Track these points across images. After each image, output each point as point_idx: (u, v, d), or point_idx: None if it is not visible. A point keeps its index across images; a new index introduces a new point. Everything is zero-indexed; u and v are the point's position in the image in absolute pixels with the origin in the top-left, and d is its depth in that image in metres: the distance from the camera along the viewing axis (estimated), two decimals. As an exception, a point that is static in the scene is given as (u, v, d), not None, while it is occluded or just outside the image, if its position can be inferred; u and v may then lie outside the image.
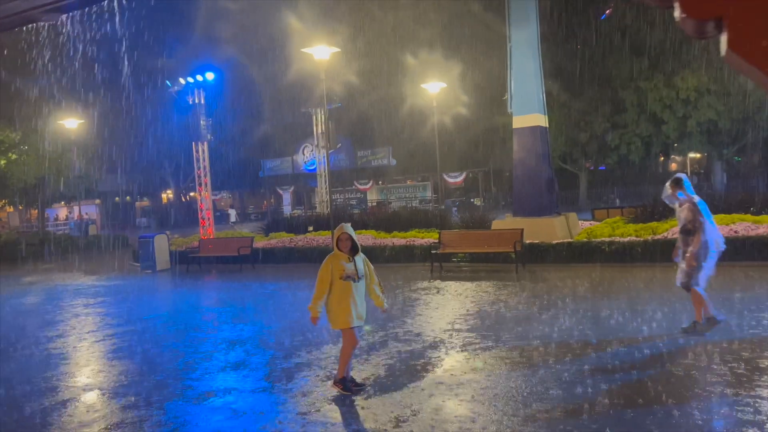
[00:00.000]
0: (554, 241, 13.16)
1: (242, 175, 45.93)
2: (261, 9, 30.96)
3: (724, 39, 1.29)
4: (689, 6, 1.31)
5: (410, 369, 6.05)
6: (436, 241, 14.08)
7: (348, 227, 5.33)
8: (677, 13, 1.34)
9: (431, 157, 31.15)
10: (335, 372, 5.64)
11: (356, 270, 5.28)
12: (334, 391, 5.40)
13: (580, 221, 16.24)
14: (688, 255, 6.56)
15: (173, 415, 5.20)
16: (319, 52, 16.34)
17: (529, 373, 5.70)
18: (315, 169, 34.14)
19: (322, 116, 26.02)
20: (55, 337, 8.78)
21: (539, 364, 5.97)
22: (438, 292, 10.62)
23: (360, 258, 5.39)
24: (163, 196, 55.16)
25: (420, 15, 30.00)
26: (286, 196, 48.86)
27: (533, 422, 4.51)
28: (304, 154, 43.71)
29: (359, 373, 5.92)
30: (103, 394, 5.95)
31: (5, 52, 23.69)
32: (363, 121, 37.62)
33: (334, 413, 4.97)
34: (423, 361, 6.32)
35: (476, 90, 31.28)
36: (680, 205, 6.73)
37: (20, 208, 42.30)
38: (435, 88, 26.75)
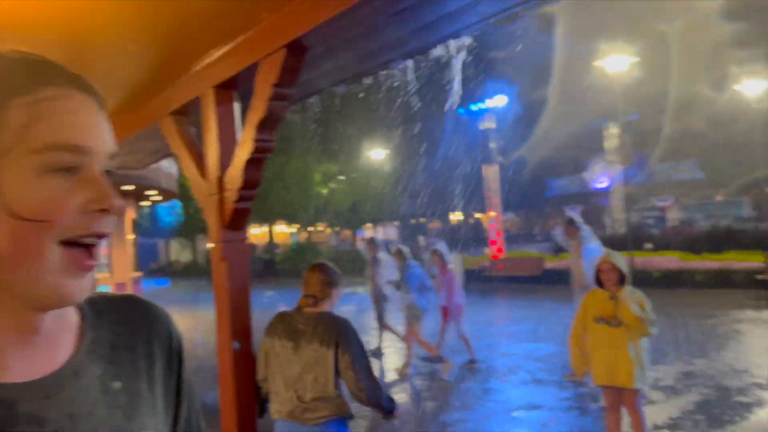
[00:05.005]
0: None
1: (527, 196, 45.98)
2: (551, 28, 30.84)
3: None
4: None
5: (729, 411, 5.28)
6: (762, 265, 12.09)
7: (614, 255, 4.00)
8: None
9: (748, 169, 26.86)
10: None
11: (615, 311, 3.85)
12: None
13: None
14: None
15: (482, 424, 5.46)
16: (613, 63, 15.63)
17: None
18: (607, 187, 32.40)
19: (615, 130, 24.68)
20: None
21: None
22: (767, 324, 9.09)
23: (628, 295, 3.87)
24: (452, 217, 58.50)
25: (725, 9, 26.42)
26: (575, 216, 47.35)
27: None
28: (594, 171, 41.89)
29: (660, 411, 5.40)
30: (414, 398, 6.53)
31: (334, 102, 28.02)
32: (663, 132, 34.42)
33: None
34: (747, 402, 5.46)
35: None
36: None
37: (336, 229, 48.99)
38: (756, 88, 23.29)
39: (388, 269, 8.00)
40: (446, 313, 7.42)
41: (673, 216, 38.75)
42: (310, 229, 39.63)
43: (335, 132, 29.94)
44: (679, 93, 29.57)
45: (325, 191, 31.75)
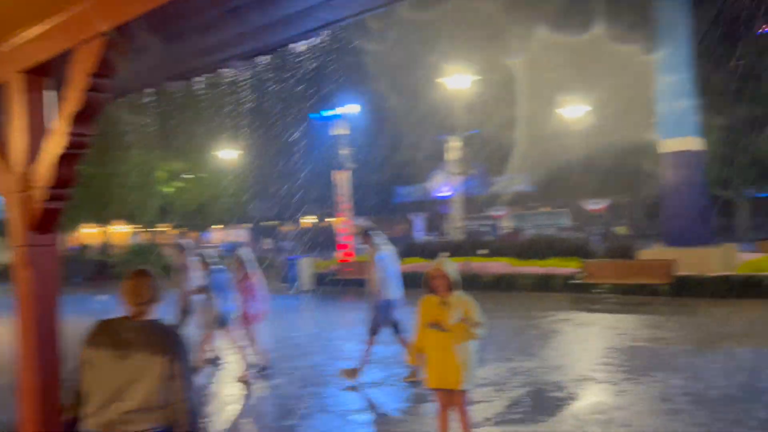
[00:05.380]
0: (710, 274, 12.08)
1: (375, 202, 47.09)
2: (404, 44, 31.99)
3: None
4: None
5: (547, 404, 5.81)
6: (577, 270, 13.50)
7: (445, 262, 4.20)
8: None
9: (570, 184, 30.00)
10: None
11: (446, 317, 4.03)
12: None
13: (739, 253, 14.78)
14: None
15: (319, 429, 5.46)
16: (455, 81, 16.60)
17: (680, 413, 5.27)
18: (447, 196, 34.26)
19: (457, 143, 26.25)
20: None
21: (692, 404, 5.50)
22: (579, 324, 10.16)
23: (457, 300, 4.09)
24: (304, 221, 58.33)
25: (553, 41, 29.43)
26: (418, 223, 49.54)
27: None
28: (436, 181, 44.13)
29: (487, 408, 5.81)
30: (249, 405, 6.38)
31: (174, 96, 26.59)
32: (499, 147, 37.19)
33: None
34: (562, 396, 6.05)
35: (620, 113, 29.82)
36: None
37: (183, 231, 46.67)
38: (575, 112, 26.15)
39: (195, 276, 7.69)
40: (247, 319, 7.28)
41: (506, 225, 42.13)
42: (153, 229, 37.11)
43: (179, 129, 28.42)
44: (516, 112, 32.19)
45: (170, 190, 29.98)
